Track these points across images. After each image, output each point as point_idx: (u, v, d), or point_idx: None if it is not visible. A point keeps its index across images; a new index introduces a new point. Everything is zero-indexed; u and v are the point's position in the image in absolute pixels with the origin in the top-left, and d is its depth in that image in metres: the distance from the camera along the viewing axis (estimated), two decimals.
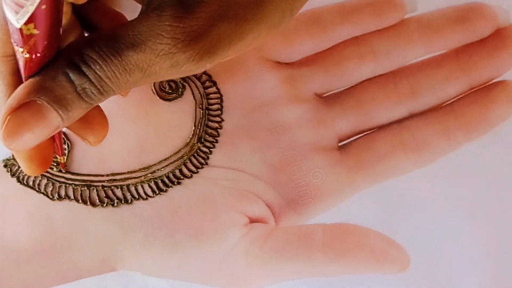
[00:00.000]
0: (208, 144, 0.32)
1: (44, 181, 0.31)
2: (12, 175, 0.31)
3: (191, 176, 0.31)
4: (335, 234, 0.30)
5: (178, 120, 0.32)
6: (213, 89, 0.33)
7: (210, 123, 0.32)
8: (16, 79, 0.26)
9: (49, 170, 0.31)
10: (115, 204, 0.31)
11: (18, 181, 0.31)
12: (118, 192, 0.31)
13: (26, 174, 0.31)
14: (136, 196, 0.31)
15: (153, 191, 0.31)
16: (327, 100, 0.34)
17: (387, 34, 0.34)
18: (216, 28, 0.24)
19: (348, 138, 0.34)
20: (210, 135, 0.32)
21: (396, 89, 0.34)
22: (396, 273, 0.29)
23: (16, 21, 0.22)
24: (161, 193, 0.31)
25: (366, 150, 0.33)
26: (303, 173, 0.33)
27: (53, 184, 0.31)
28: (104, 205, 0.31)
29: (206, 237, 0.30)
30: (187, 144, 0.32)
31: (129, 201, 0.31)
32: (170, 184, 0.31)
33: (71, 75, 0.24)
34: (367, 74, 0.34)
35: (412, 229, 0.37)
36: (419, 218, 0.37)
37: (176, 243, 0.30)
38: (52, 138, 0.28)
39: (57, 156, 0.30)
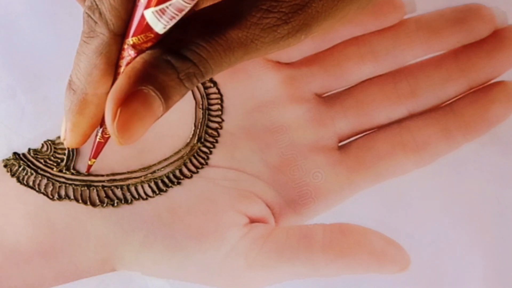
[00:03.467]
0: (208, 144, 0.32)
1: (44, 181, 0.31)
2: (12, 175, 0.31)
3: (191, 176, 0.31)
4: (335, 234, 0.30)
5: (178, 120, 0.32)
6: (213, 89, 0.33)
7: (210, 123, 0.32)
8: (110, 65, 0.25)
9: (49, 170, 0.31)
10: (115, 204, 0.31)
11: (18, 181, 0.31)
12: (118, 192, 0.31)
13: (26, 174, 0.31)
14: (136, 196, 0.31)
15: (153, 191, 0.31)
16: (327, 100, 0.34)
17: (386, 34, 0.34)
18: (316, 1, 0.24)
19: (348, 138, 0.34)
20: (210, 135, 0.32)
21: (396, 89, 0.34)
22: (396, 273, 0.29)
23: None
24: (161, 193, 0.31)
25: (366, 150, 0.33)
26: (303, 173, 0.33)
27: (53, 184, 0.31)
28: (104, 205, 0.30)
29: (206, 237, 0.30)
30: (187, 144, 0.32)
31: (129, 201, 0.31)
32: (170, 184, 0.31)
33: (173, 61, 0.23)
34: (367, 74, 0.34)
35: (412, 229, 0.37)
36: (419, 218, 0.37)
37: (176, 243, 0.30)
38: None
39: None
